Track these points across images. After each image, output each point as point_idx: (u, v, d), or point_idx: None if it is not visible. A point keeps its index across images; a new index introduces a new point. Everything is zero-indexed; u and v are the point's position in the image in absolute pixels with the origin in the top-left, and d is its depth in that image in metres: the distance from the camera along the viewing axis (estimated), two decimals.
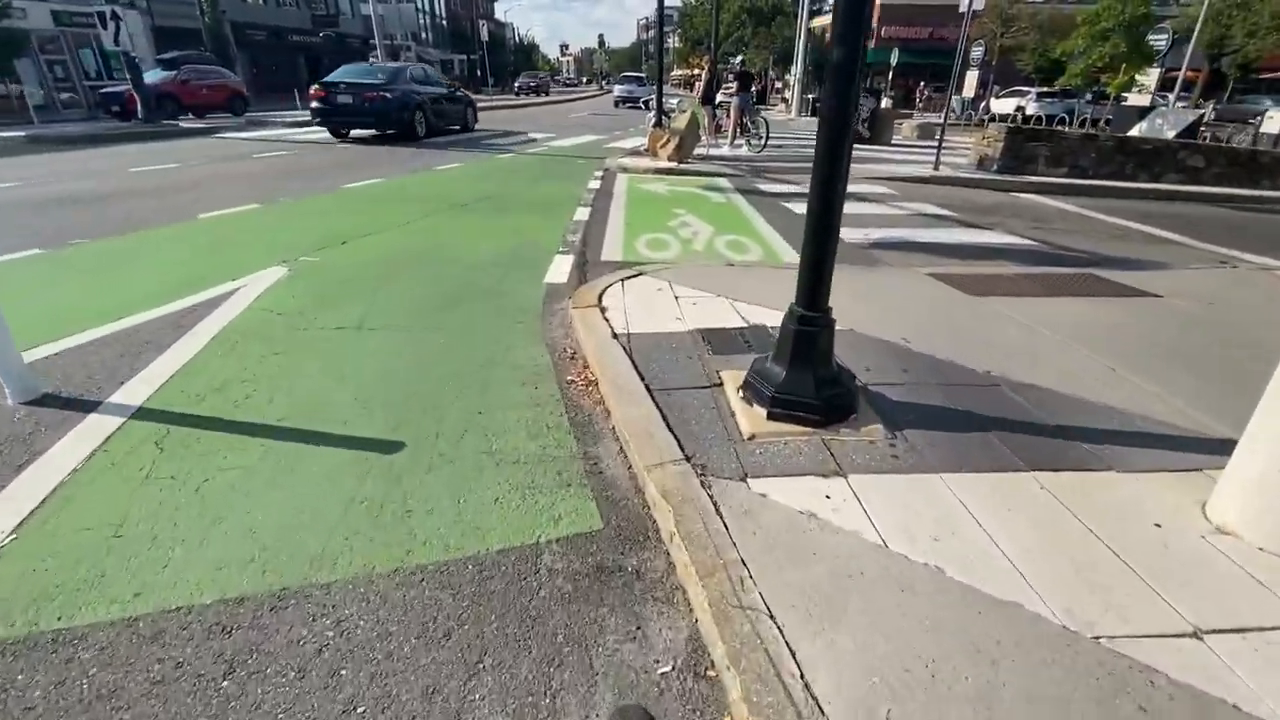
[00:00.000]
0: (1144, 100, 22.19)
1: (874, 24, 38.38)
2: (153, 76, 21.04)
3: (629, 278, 4.19)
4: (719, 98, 13.13)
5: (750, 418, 2.35)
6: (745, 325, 3.31)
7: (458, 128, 15.10)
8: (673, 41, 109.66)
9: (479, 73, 53.27)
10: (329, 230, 5.41)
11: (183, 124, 14.10)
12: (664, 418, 2.39)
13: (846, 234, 6.21)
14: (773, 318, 3.36)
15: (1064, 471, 2.10)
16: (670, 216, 6.45)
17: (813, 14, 33.29)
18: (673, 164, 9.86)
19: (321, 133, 13.65)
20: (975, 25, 30.63)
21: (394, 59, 47.28)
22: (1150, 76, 21.00)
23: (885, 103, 15.36)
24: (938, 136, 10.12)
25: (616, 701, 1.37)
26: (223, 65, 26.66)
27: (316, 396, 2.65)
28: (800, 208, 7.01)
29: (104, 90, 20.13)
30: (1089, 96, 30.15)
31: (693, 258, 4.98)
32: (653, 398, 2.54)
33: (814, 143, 2.12)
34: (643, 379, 2.69)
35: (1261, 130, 16.13)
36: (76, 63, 29.24)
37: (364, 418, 2.49)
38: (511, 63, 69.82)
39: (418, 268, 4.46)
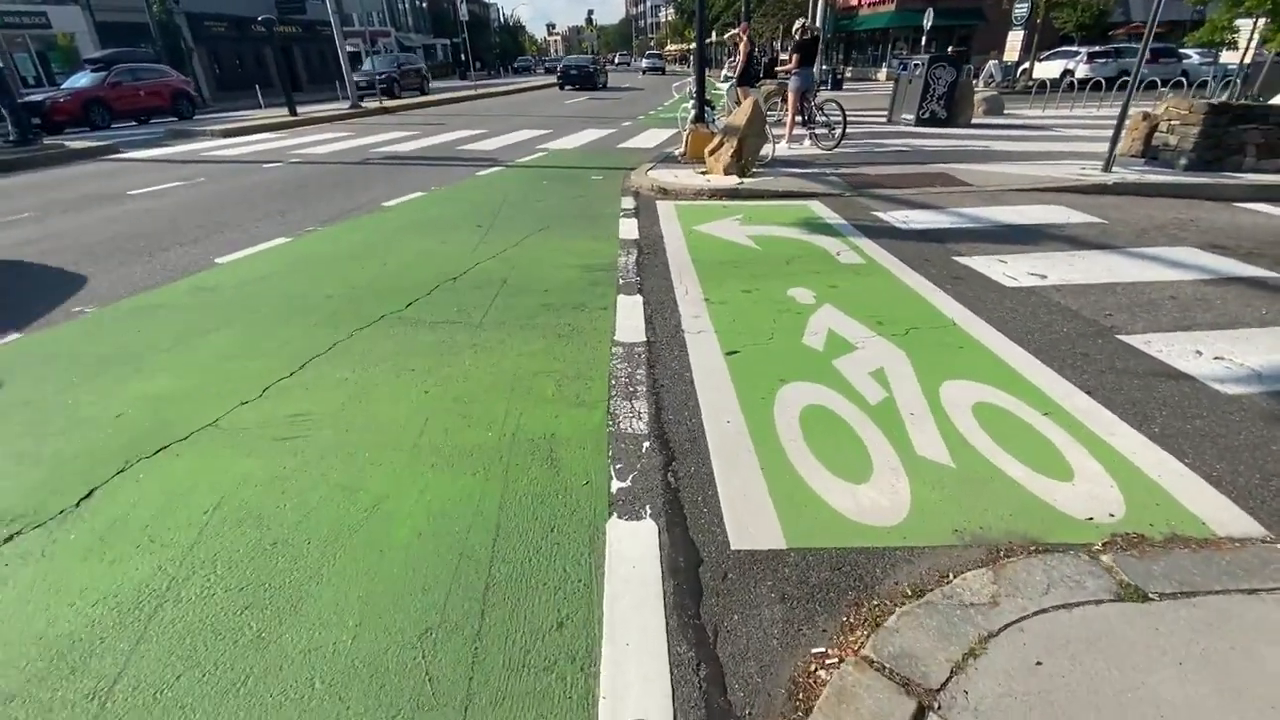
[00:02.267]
0: (1233, 57, 18.77)
1: None
2: (79, 81, 17.99)
3: None
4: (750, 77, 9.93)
5: None
6: None
7: (598, 84, 27.91)
8: (664, 15, 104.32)
9: (463, 57, 49.38)
10: (107, 426, 2.40)
11: (71, 144, 10.90)
12: None
13: (1162, 346, 2.92)
14: None
15: None
16: (793, 312, 3.41)
17: None
18: (732, 179, 6.76)
19: (249, 146, 10.61)
20: None
21: (371, 45, 43.96)
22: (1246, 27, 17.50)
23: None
24: (1119, 117, 6.96)
25: None
26: (169, 62, 23.52)
27: None
28: (992, 265, 3.94)
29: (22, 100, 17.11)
30: (1147, 55, 26.68)
31: (962, 520, 1.95)
32: None
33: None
34: None
35: None
36: (14, 71, 26.24)
37: None
38: (497, 45, 65.76)
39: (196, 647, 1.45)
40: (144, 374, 2.86)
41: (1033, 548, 1.78)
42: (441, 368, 2.87)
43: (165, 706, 1.37)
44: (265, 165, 8.94)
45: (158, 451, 2.28)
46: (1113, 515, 1.91)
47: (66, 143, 10.97)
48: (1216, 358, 2.90)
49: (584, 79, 27.09)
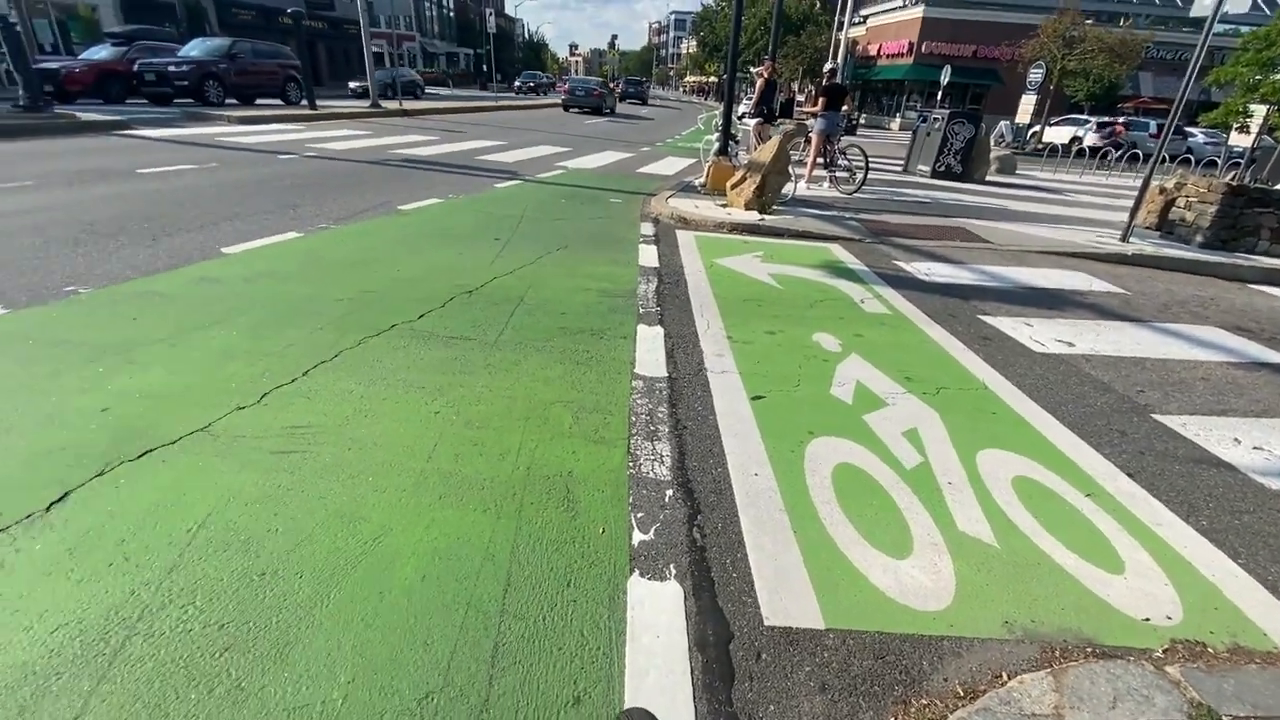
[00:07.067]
0: (1246, 139, 19.23)
1: (914, 38, 35.58)
2: (97, 53, 17.93)
3: None
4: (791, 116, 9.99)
5: None
6: None
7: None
8: (685, 47, 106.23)
9: (484, 68, 49.93)
10: (91, 421, 2.22)
11: (82, 115, 10.71)
12: None
13: (1199, 430, 2.81)
14: None
15: None
16: (819, 359, 3.29)
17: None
18: (753, 215, 6.71)
19: (265, 136, 10.57)
20: (1031, 45, 27.83)
21: (395, 48, 44.31)
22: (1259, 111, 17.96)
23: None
24: (1140, 189, 7.00)
25: None
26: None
27: None
28: (1019, 328, 3.84)
29: (37, 66, 17.06)
30: (1152, 129, 27.36)
31: (1011, 610, 1.81)
32: None
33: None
34: None
35: None
36: (30, 34, 26.24)
37: None
38: (520, 59, 66.72)
39: None
40: (136, 366, 2.69)
41: (1089, 649, 1.64)
42: (454, 387, 2.72)
43: None
44: (280, 156, 8.83)
45: (142, 455, 2.11)
46: (1170, 618, 1.78)
47: (78, 114, 10.81)
48: (1256, 448, 2.80)
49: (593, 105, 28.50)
